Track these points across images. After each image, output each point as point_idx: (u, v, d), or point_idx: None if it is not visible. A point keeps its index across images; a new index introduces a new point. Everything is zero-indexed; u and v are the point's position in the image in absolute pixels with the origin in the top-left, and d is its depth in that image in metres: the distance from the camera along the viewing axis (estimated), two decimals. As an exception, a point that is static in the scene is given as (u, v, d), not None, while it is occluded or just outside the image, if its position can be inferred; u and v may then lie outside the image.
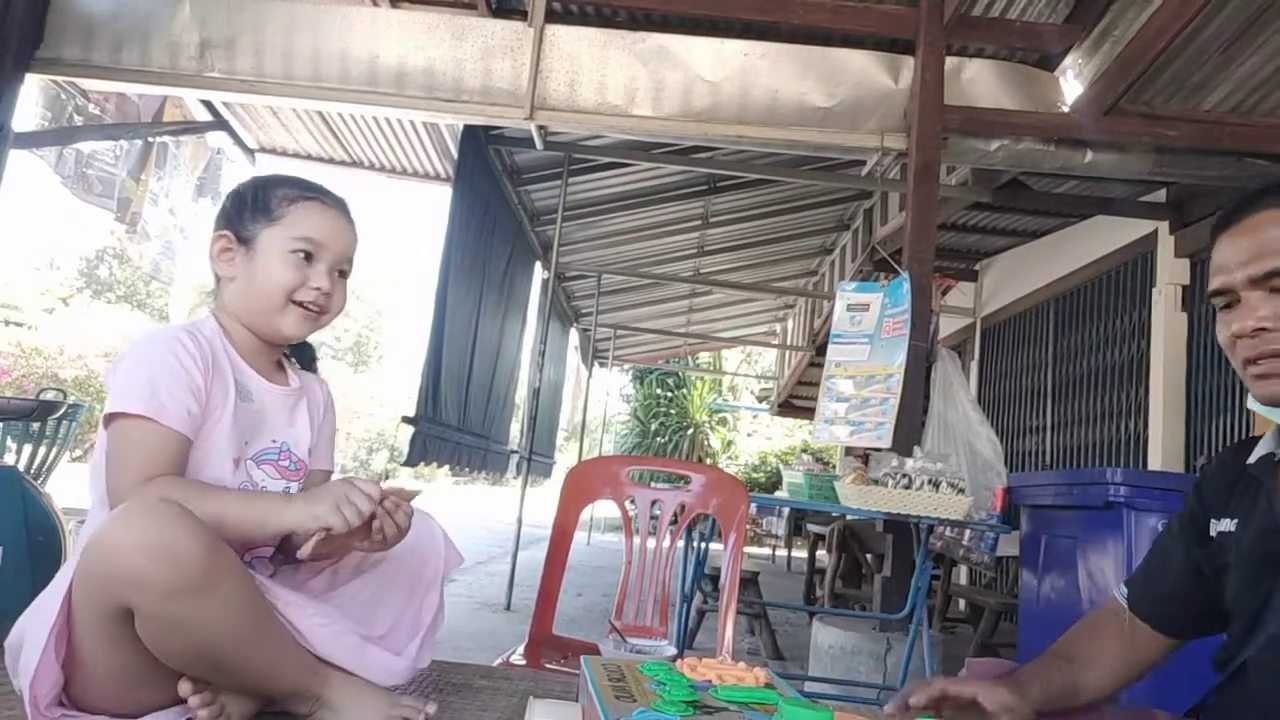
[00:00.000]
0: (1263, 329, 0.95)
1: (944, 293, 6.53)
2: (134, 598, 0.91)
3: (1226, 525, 1.07)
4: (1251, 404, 1.03)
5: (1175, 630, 1.15)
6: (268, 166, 5.26)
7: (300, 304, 1.21)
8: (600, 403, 13.34)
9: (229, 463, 1.15)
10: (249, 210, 1.22)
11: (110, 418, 1.07)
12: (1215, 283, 1.01)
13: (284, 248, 1.20)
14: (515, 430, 7.16)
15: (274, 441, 1.23)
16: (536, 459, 6.27)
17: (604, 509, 10.45)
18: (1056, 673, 1.11)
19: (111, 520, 0.94)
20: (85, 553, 0.95)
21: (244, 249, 1.22)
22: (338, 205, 1.27)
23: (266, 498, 1.12)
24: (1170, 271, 4.42)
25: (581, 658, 1.10)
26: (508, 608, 4.78)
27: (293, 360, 1.36)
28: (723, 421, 17.69)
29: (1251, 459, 1.06)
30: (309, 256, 1.21)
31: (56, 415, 3.72)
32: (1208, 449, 4.15)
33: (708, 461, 15.10)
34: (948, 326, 6.91)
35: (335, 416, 1.40)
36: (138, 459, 1.05)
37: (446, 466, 5.13)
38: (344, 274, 1.27)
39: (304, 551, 1.04)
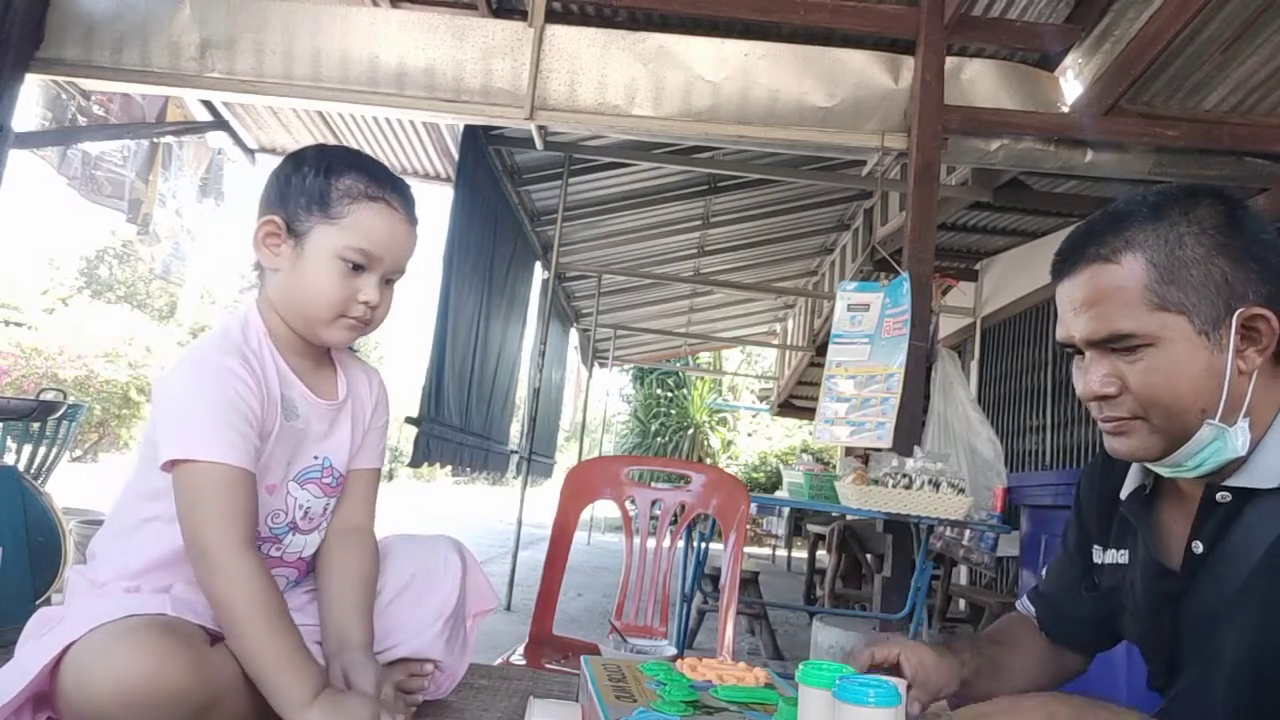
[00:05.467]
0: (1105, 395, 0.89)
1: (944, 293, 6.54)
2: None
3: (1113, 557, 1.03)
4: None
5: (1087, 649, 1.14)
6: (268, 167, 5.25)
7: (345, 316, 1.11)
8: (600, 403, 13.34)
9: (267, 489, 1.10)
10: (305, 197, 1.09)
11: (176, 462, 1.00)
12: (1059, 334, 0.94)
13: (335, 253, 1.08)
14: (515, 430, 7.16)
15: (315, 458, 1.16)
16: (536, 459, 6.28)
17: (604, 509, 10.46)
18: (989, 648, 1.12)
19: (97, 657, 0.86)
20: (71, 686, 0.87)
21: (293, 241, 1.09)
22: (405, 207, 1.14)
23: (299, 679, 0.96)
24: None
25: (581, 658, 1.10)
26: (508, 608, 4.78)
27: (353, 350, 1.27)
28: (723, 421, 17.69)
29: (1122, 492, 1.01)
30: (360, 267, 1.10)
31: (56, 415, 3.72)
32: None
33: (708, 461, 15.10)
34: (948, 326, 6.91)
35: (388, 407, 1.30)
36: (218, 510, 0.98)
37: (448, 467, 5.14)
38: (392, 281, 1.16)
39: None
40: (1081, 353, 0.93)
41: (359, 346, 1.34)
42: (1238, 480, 0.87)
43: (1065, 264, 0.93)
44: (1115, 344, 0.87)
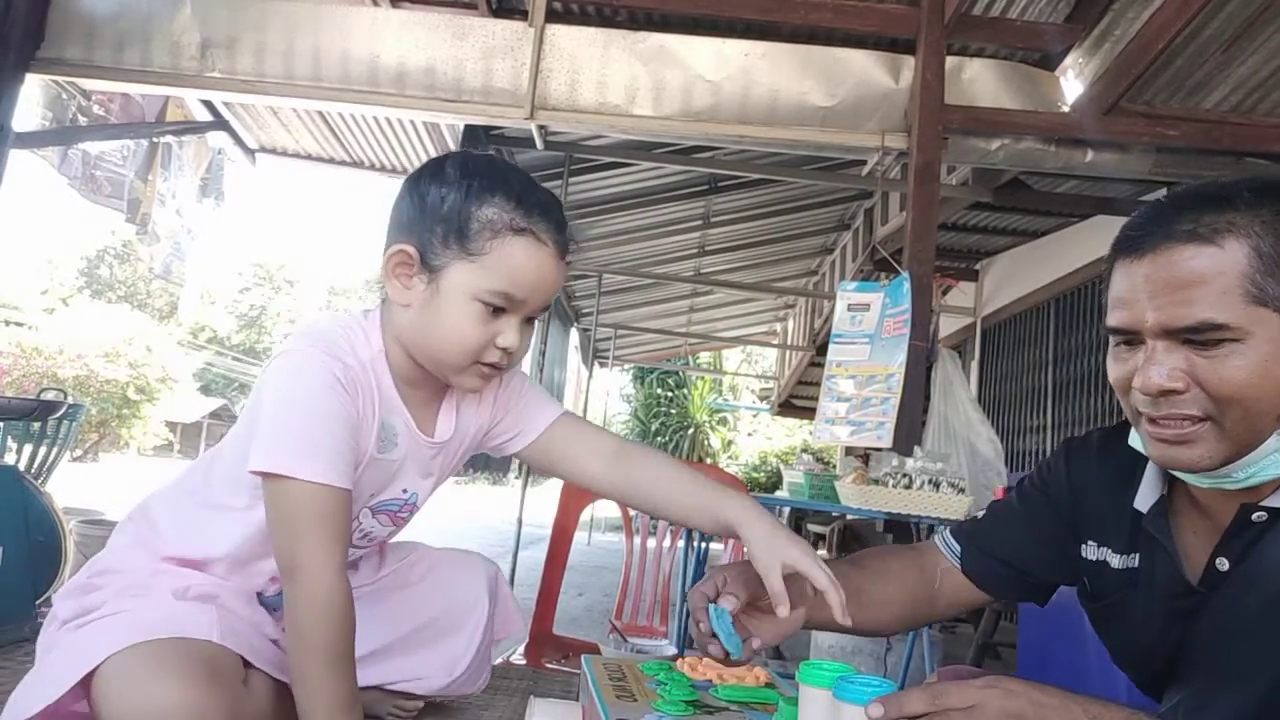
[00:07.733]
0: (1172, 391, 0.79)
1: (944, 292, 6.53)
2: None
3: (1123, 563, 0.96)
4: (1135, 443, 0.91)
5: (1001, 595, 1.11)
6: (268, 167, 5.24)
7: (480, 362, 1.00)
8: (600, 403, 13.35)
9: None
10: (441, 227, 0.96)
11: (272, 475, 0.94)
12: (1117, 318, 0.83)
13: (474, 295, 0.96)
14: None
15: (404, 491, 1.10)
16: (537, 459, 6.27)
17: (604, 509, 10.45)
18: (848, 578, 1.04)
19: (132, 683, 0.84)
20: (104, 713, 0.85)
21: (427, 276, 0.98)
22: (555, 239, 1.00)
23: None
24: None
25: (582, 657, 1.10)
26: (508, 607, 4.78)
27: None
28: (723, 421, 17.70)
29: (1140, 503, 0.94)
30: (500, 310, 0.98)
31: (56, 415, 3.71)
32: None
33: (708, 461, 15.11)
34: (948, 326, 6.91)
35: (523, 379, 1.20)
36: (314, 531, 0.93)
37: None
38: (533, 320, 1.04)
39: None
40: (1135, 342, 0.83)
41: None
42: (1277, 500, 0.82)
43: (1145, 239, 0.81)
44: (1196, 334, 0.78)
